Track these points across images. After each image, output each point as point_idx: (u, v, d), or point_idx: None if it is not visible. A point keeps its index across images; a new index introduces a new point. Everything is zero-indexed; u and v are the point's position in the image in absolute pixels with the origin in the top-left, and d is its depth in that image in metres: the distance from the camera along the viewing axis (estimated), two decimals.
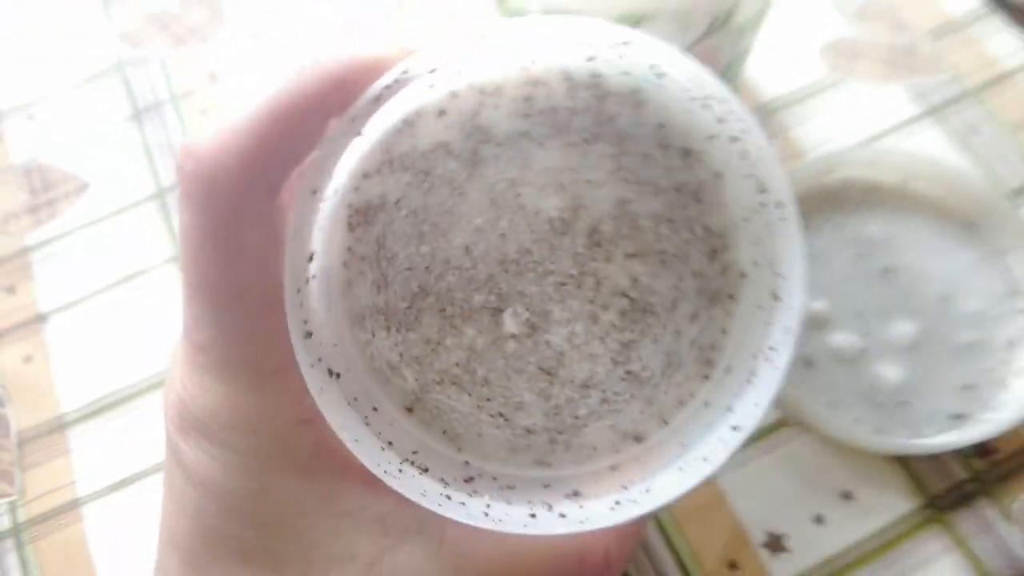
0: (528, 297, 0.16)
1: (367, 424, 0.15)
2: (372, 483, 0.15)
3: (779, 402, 0.25)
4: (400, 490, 0.15)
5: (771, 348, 0.15)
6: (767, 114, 0.30)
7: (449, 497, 0.15)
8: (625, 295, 0.16)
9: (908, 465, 0.24)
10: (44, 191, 0.31)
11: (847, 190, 0.28)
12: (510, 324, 0.16)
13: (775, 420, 0.25)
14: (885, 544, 0.23)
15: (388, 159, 0.15)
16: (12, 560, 0.25)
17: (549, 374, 0.16)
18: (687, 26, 0.20)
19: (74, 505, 0.25)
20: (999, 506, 0.24)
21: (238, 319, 0.14)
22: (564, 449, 0.16)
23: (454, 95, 0.15)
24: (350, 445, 0.15)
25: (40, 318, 0.29)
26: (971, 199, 0.27)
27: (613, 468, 0.16)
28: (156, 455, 0.26)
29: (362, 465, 0.15)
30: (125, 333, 0.28)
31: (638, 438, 0.16)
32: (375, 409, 0.16)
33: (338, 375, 0.15)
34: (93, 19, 0.35)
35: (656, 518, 0.24)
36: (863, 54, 0.32)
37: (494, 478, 0.16)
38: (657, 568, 0.23)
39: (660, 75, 0.15)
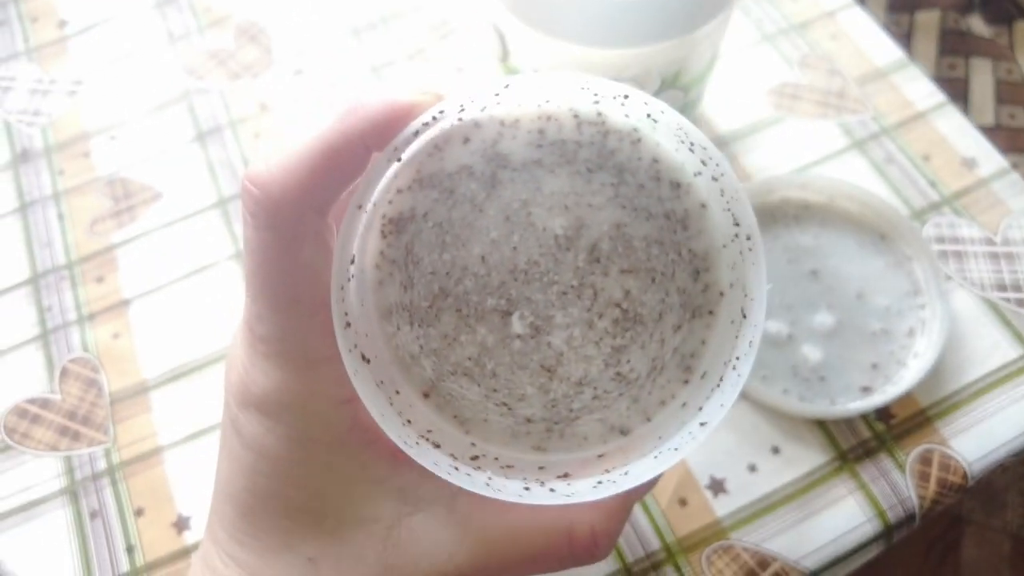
0: (534, 303, 0.18)
1: (391, 403, 0.17)
2: (396, 459, 0.18)
3: None
4: (416, 459, 0.17)
5: (737, 358, 0.17)
6: (721, 145, 0.37)
7: (457, 468, 0.17)
8: (618, 306, 0.18)
9: (825, 427, 0.30)
10: (125, 199, 0.38)
11: (784, 207, 0.34)
12: (517, 326, 0.18)
13: None
14: (805, 487, 0.29)
15: (419, 178, 0.17)
16: (108, 494, 0.31)
17: (549, 371, 0.18)
18: (643, 85, 0.26)
19: (156, 452, 0.31)
20: (893, 459, 0.30)
21: (294, 318, 0.17)
22: (559, 437, 0.18)
23: (477, 125, 0.17)
24: (377, 419, 0.17)
25: (124, 303, 0.35)
26: (884, 216, 0.33)
27: (600, 456, 0.18)
28: (219, 415, 0.32)
29: (388, 441, 0.17)
30: (193, 316, 0.34)
31: (623, 431, 0.18)
32: (397, 392, 0.17)
33: (368, 360, 0.17)
34: (162, 55, 0.41)
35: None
36: (802, 96, 0.38)
37: (496, 458, 0.18)
38: None
39: (655, 120, 0.17)
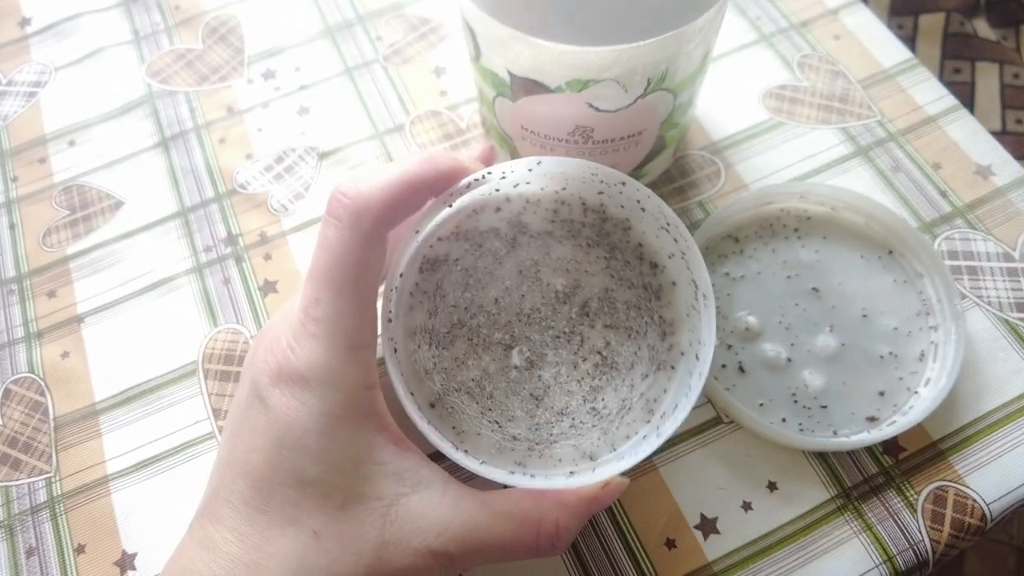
0: (532, 341, 0.22)
1: (410, 395, 0.21)
2: (399, 446, 0.21)
3: (716, 404, 0.29)
4: (424, 432, 0.20)
5: (689, 387, 0.21)
6: (714, 152, 0.34)
7: (456, 450, 0.21)
8: (599, 353, 0.22)
9: (827, 460, 0.28)
10: (82, 207, 0.35)
11: (783, 219, 0.32)
12: (516, 358, 0.22)
13: (710, 418, 0.29)
14: (804, 528, 0.27)
15: (457, 231, 0.23)
16: (47, 528, 0.28)
17: (537, 400, 0.22)
18: (628, 87, 0.24)
19: (103, 482, 0.29)
20: (903, 497, 0.27)
21: (351, 304, 0.20)
22: (538, 456, 0.22)
23: (508, 199, 0.23)
24: (400, 396, 0.21)
25: (77, 319, 0.33)
26: (892, 229, 0.31)
27: (570, 474, 0.21)
28: (176, 439, 0.30)
29: (396, 431, 0.21)
30: (151, 332, 0.32)
31: (592, 457, 0.22)
32: (412, 394, 0.21)
33: (396, 356, 0.21)
34: (127, 56, 0.39)
35: None
36: (802, 99, 0.36)
37: (482, 463, 0.21)
38: (604, 546, 0.27)
39: (643, 208, 0.22)
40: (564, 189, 0.23)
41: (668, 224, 0.22)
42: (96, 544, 0.28)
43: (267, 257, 0.34)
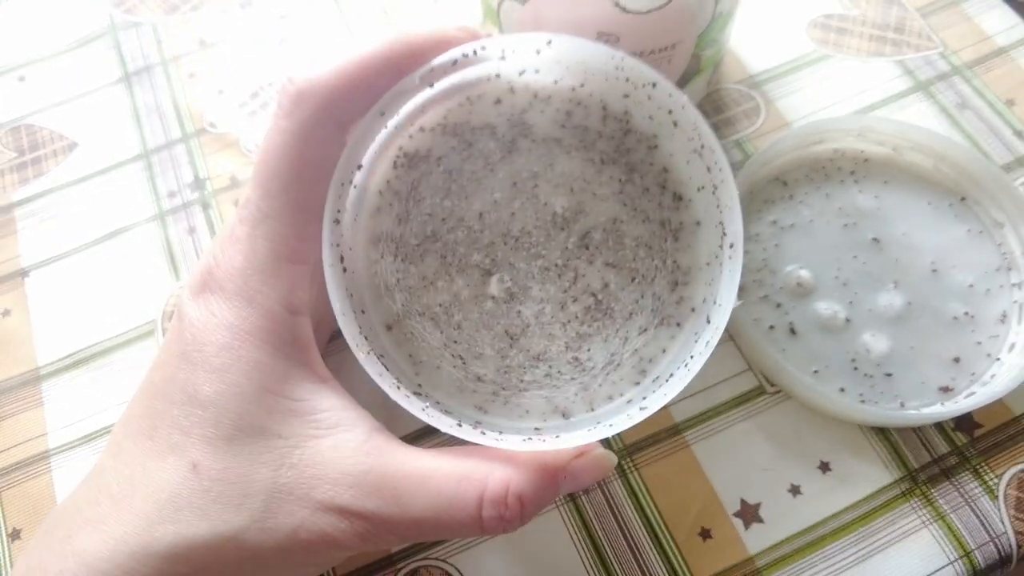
0: (516, 270, 0.19)
1: (355, 313, 0.17)
2: (321, 384, 0.18)
3: (760, 370, 0.25)
4: (364, 365, 0.17)
5: (691, 357, 0.17)
6: (753, 87, 0.30)
7: (399, 388, 0.17)
8: (594, 295, 0.19)
9: (889, 437, 0.24)
10: (31, 149, 0.31)
11: (837, 160, 0.27)
12: (494, 287, 0.19)
13: (752, 387, 0.25)
14: (863, 516, 0.23)
15: (443, 123, 0.18)
16: None
17: (512, 338, 0.19)
18: None
19: (43, 457, 0.25)
20: (981, 482, 0.23)
21: (277, 207, 0.17)
22: (502, 403, 0.18)
23: (512, 91, 0.18)
24: (338, 315, 0.17)
25: (21, 273, 0.29)
26: (966, 172, 0.26)
27: (537, 430, 0.18)
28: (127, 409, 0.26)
29: (319, 368, 0.18)
30: (104, 288, 0.28)
31: (565, 414, 0.18)
32: (363, 311, 0.18)
33: (345, 269, 0.17)
34: None
35: (629, 485, 0.23)
36: (851, 30, 0.31)
37: (438, 402, 0.18)
38: (627, 536, 0.23)
39: (675, 122, 0.18)
40: (582, 86, 0.18)
41: (703, 147, 0.18)
42: (33, 528, 0.24)
43: (237, 203, 0.29)
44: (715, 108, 0.30)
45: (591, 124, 0.19)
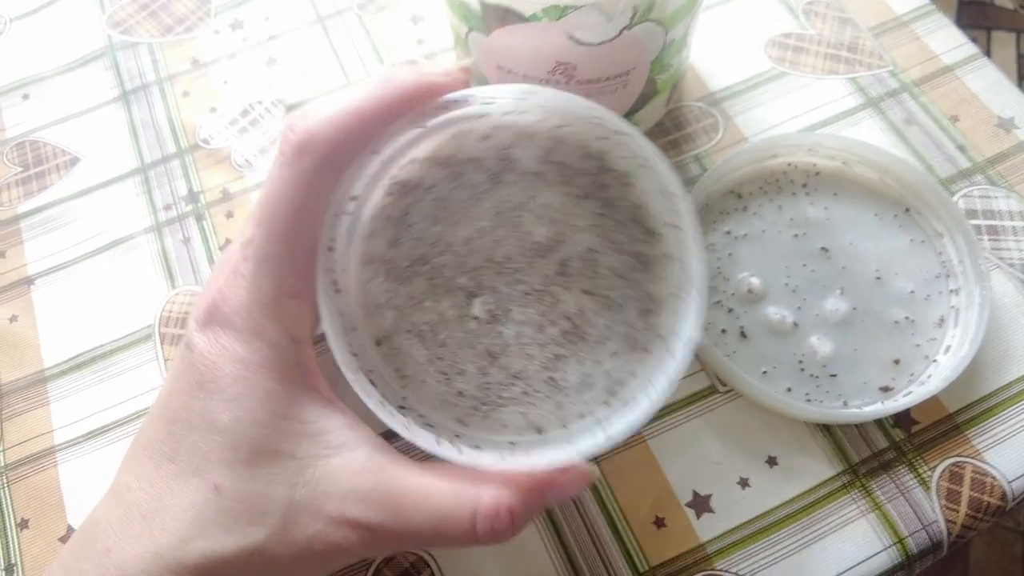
0: (498, 293, 0.20)
1: (345, 334, 0.19)
2: (326, 406, 0.19)
3: (712, 371, 0.27)
4: (352, 384, 0.18)
5: (654, 388, 0.19)
6: (712, 104, 0.32)
7: (383, 406, 0.18)
8: (570, 319, 0.20)
9: (831, 433, 0.26)
10: (36, 164, 0.33)
11: (789, 174, 0.29)
12: (477, 308, 0.20)
13: (705, 387, 0.26)
14: (807, 507, 0.24)
15: (434, 156, 0.20)
16: None
17: (492, 357, 0.20)
18: (611, 16, 0.21)
19: (49, 452, 0.27)
20: (916, 474, 0.25)
21: (281, 247, 0.18)
22: (482, 417, 0.20)
23: (498, 128, 0.19)
24: (330, 337, 0.18)
25: (27, 281, 0.30)
26: (909, 185, 0.28)
27: (512, 444, 0.19)
28: (129, 407, 0.28)
29: (323, 390, 0.19)
30: (106, 294, 0.30)
31: (539, 430, 0.20)
32: (354, 329, 0.19)
33: (338, 290, 0.19)
34: (86, 7, 0.37)
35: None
36: (807, 48, 0.33)
37: (420, 415, 0.19)
38: (587, 524, 0.25)
39: (647, 167, 0.19)
40: (562, 128, 0.20)
41: (671, 192, 0.19)
42: (40, 519, 0.26)
43: (229, 215, 0.31)
44: (676, 125, 0.31)
45: (570, 161, 0.20)
